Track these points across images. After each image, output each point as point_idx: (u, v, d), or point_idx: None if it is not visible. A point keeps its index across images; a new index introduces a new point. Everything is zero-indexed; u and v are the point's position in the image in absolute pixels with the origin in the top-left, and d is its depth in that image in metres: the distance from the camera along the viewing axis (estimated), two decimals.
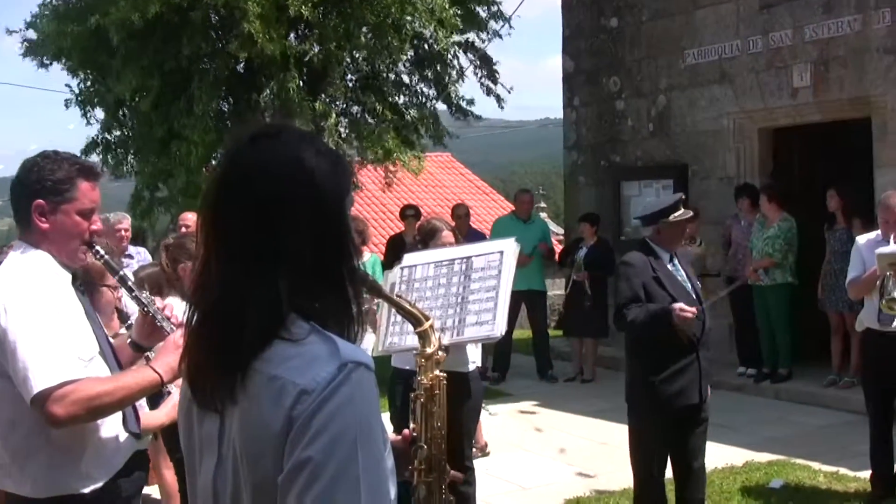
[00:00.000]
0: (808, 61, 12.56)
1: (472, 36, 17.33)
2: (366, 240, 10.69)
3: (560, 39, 16.77)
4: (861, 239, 8.33)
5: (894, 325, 7.81)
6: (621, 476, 8.69)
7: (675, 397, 6.74)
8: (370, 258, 11.22)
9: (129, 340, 4.08)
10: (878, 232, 8.05)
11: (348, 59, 15.68)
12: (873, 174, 11.84)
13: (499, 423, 11.14)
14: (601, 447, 10.22)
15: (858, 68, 11.98)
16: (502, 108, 18.17)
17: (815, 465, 9.26)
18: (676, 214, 6.82)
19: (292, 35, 15.29)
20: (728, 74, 13.66)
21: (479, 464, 7.43)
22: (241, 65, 15.49)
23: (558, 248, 15.63)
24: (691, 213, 6.94)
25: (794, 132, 13.45)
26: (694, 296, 6.84)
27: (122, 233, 10.32)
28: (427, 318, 2.77)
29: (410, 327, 2.90)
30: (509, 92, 17.86)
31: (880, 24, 11.68)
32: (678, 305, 6.43)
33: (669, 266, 6.85)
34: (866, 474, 8.45)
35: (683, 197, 7.16)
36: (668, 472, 6.99)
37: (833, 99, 12.39)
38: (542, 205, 41.44)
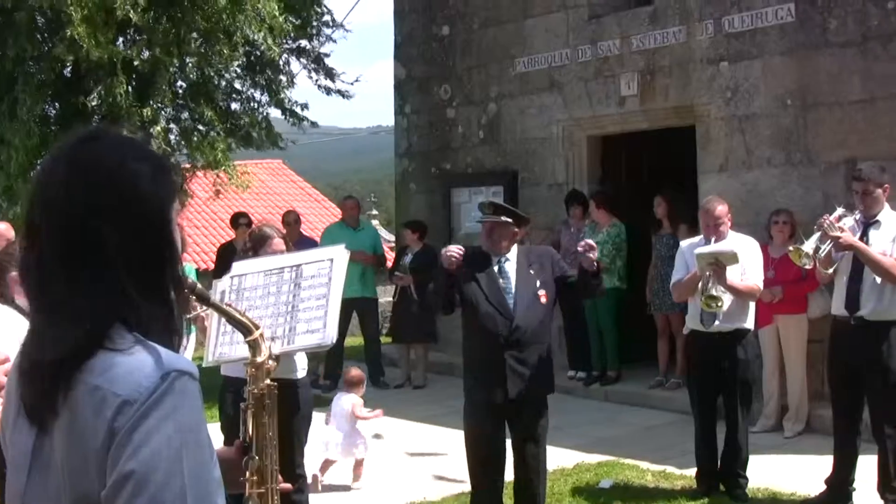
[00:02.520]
0: (634, 70, 12.82)
1: (304, 42, 17.19)
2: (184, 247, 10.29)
3: (392, 46, 16.80)
4: (685, 243, 8.61)
5: (716, 324, 8.08)
6: (458, 479, 8.76)
7: (480, 395, 6.99)
8: (185, 267, 11.03)
9: None
10: (701, 236, 8.32)
11: (177, 65, 15.39)
12: (697, 181, 12.15)
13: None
14: (435, 452, 10.26)
15: (683, 78, 12.28)
16: (350, 97, 17.90)
17: (644, 465, 9.46)
18: (478, 217, 7.09)
19: (121, 39, 14.95)
20: (557, 83, 13.85)
21: (311, 471, 7.38)
22: (68, 68, 15.09)
23: (391, 255, 15.66)
24: (495, 220, 7.04)
25: (622, 139, 13.72)
26: (510, 300, 6.98)
27: None
28: (257, 327, 2.75)
29: (240, 337, 2.86)
30: (353, 84, 17.76)
31: (703, 35, 11.99)
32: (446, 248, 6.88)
33: (495, 267, 7.02)
34: (692, 472, 8.70)
35: (492, 202, 7.33)
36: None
37: (659, 107, 12.68)
38: (374, 212, 41.58)
